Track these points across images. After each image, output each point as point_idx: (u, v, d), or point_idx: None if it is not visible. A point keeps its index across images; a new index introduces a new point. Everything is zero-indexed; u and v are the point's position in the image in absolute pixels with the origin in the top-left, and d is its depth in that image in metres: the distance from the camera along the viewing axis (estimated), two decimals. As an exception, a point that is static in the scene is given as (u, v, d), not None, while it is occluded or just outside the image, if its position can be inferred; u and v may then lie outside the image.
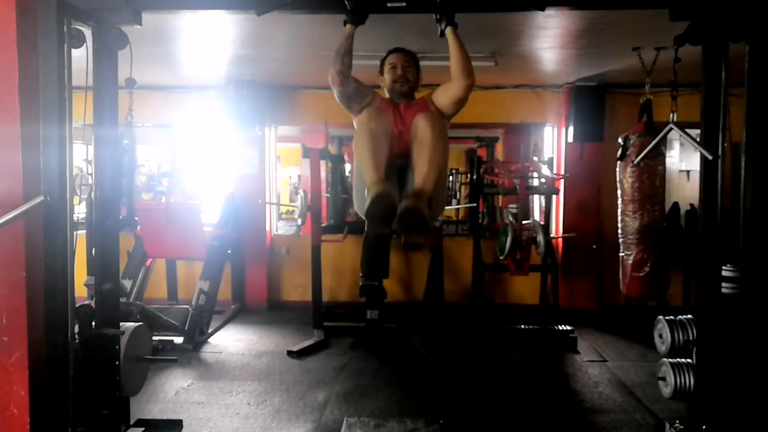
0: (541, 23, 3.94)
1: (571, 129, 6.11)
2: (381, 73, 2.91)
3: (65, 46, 2.44)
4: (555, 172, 6.16)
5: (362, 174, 2.51)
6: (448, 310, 5.73)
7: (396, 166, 2.60)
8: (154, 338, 4.43)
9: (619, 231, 4.22)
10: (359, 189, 2.65)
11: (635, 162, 3.87)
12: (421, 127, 2.48)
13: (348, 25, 2.61)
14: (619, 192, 4.19)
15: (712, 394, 2.68)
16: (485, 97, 6.10)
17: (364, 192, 2.53)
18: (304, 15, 3.45)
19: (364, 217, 2.45)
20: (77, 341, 2.52)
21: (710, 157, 2.60)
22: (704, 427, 2.66)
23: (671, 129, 3.27)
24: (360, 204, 2.64)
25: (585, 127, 6.03)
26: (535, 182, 5.58)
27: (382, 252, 5.13)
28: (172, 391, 4.09)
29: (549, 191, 5.58)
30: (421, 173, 2.45)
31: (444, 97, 2.75)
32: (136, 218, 4.85)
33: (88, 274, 4.59)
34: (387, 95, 2.90)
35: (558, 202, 6.35)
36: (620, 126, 5.46)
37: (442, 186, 2.69)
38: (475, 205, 5.95)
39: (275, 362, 4.76)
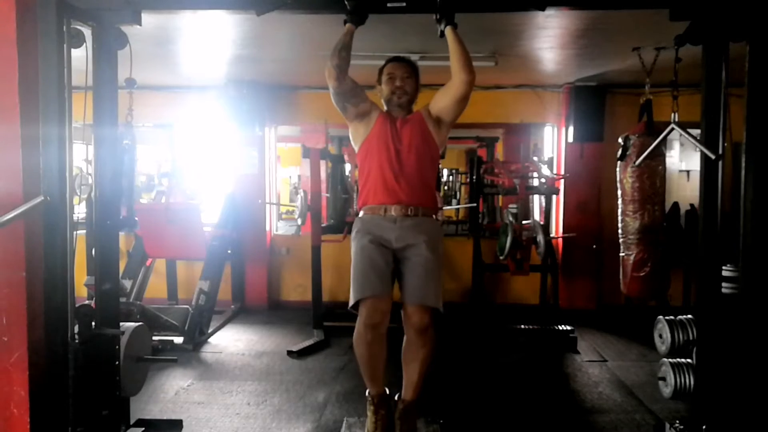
0: (541, 23, 3.93)
1: (571, 129, 6.11)
2: (379, 82, 2.88)
3: (65, 46, 2.44)
4: (555, 172, 6.16)
5: (361, 371, 2.86)
6: (448, 310, 5.70)
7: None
8: (154, 338, 4.42)
9: (620, 231, 4.22)
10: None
11: (636, 163, 3.87)
12: (412, 331, 2.83)
13: (348, 25, 2.61)
14: (619, 192, 4.19)
15: (712, 394, 2.68)
16: (485, 97, 6.10)
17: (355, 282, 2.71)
18: (304, 15, 3.45)
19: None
20: (77, 341, 2.51)
21: (713, 157, 2.60)
22: (704, 427, 2.66)
23: (673, 129, 3.27)
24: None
25: (585, 127, 6.03)
26: (535, 182, 5.58)
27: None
28: (172, 391, 4.09)
29: (549, 191, 5.58)
30: (411, 383, 2.87)
31: (444, 98, 2.73)
32: (136, 218, 4.85)
33: (88, 274, 4.59)
34: (384, 105, 2.88)
35: (558, 202, 6.35)
36: (620, 126, 5.46)
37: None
38: (475, 205, 5.95)
39: (275, 362, 4.76)
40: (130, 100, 3.59)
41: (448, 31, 2.58)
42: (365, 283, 2.62)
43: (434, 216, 2.87)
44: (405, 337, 2.77)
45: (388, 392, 2.91)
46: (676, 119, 3.19)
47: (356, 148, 2.88)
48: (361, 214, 2.84)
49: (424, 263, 2.67)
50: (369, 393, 2.81)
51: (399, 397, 2.90)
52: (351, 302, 2.66)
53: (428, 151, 2.81)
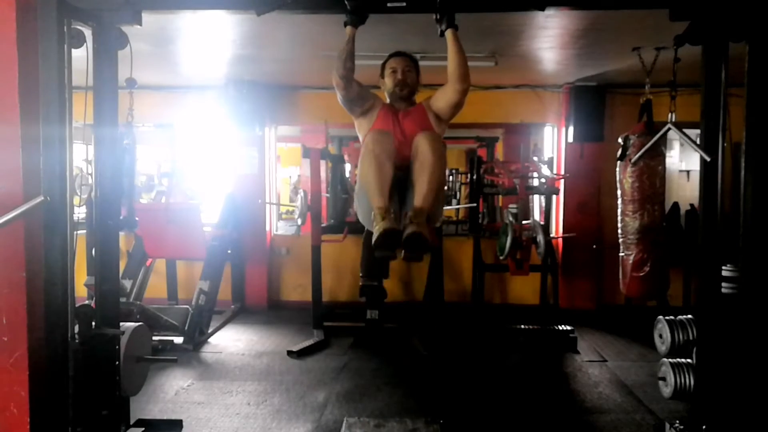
0: (541, 23, 3.94)
1: (571, 129, 6.12)
2: (382, 76, 2.94)
3: (65, 46, 2.44)
4: (555, 172, 6.16)
5: (367, 196, 2.62)
6: (448, 310, 5.72)
7: (396, 178, 2.65)
8: (154, 338, 4.43)
9: (619, 231, 4.22)
10: (362, 201, 2.72)
11: (633, 160, 3.87)
12: (422, 149, 2.58)
13: (348, 28, 2.61)
14: (619, 192, 4.20)
15: (712, 394, 2.67)
16: (485, 97, 6.10)
17: (366, 204, 2.64)
18: (304, 15, 3.45)
19: (366, 226, 2.66)
20: (77, 341, 2.51)
21: (708, 159, 2.60)
22: (704, 427, 2.65)
23: (669, 129, 3.27)
24: (363, 216, 2.75)
25: (585, 127, 6.03)
26: (535, 182, 5.58)
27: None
28: (172, 391, 4.09)
29: (549, 191, 5.58)
30: (421, 193, 2.58)
31: (441, 101, 2.79)
32: (137, 218, 4.85)
33: (88, 274, 4.59)
34: (387, 98, 2.93)
35: (558, 202, 6.35)
36: (620, 126, 5.46)
37: (441, 198, 2.79)
38: (475, 205, 5.95)
39: (275, 362, 4.76)
40: (131, 100, 3.60)
41: (448, 33, 2.58)
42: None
43: None
44: (415, 161, 2.63)
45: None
46: (674, 119, 3.19)
47: (361, 141, 2.92)
48: None
49: None
50: (375, 206, 2.59)
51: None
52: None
53: None
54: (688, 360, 2.95)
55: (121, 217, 4.43)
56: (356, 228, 5.65)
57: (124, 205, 4.50)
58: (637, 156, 3.79)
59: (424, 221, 2.53)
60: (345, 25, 2.62)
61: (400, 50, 2.99)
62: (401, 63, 2.89)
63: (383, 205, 2.55)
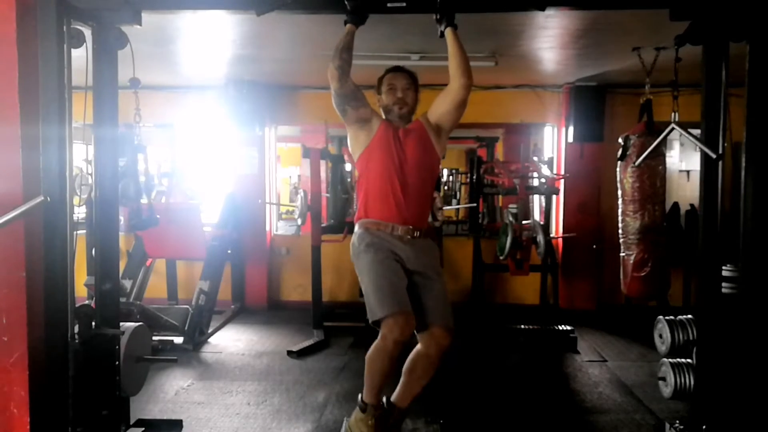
0: (541, 23, 3.94)
1: (571, 129, 6.11)
2: (378, 92, 2.89)
3: (65, 46, 2.44)
4: (555, 172, 6.16)
5: (365, 376, 2.80)
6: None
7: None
8: (154, 338, 4.41)
9: (620, 231, 4.22)
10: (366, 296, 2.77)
11: (636, 163, 3.87)
12: (435, 347, 2.77)
13: (349, 26, 2.61)
14: (619, 192, 4.20)
15: (712, 394, 2.68)
16: (485, 97, 6.10)
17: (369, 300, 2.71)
18: (304, 15, 3.45)
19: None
20: (77, 341, 2.51)
21: (714, 156, 2.59)
22: (704, 427, 2.66)
23: (673, 129, 3.27)
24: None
25: (585, 127, 6.03)
26: (535, 182, 5.58)
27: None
28: (172, 391, 4.09)
29: (549, 191, 5.58)
30: (410, 392, 2.84)
31: (443, 104, 2.74)
32: (158, 216, 4.79)
33: (88, 274, 4.59)
34: (383, 113, 2.87)
35: (558, 202, 6.35)
36: (620, 126, 5.46)
37: None
38: (475, 205, 5.96)
39: (275, 362, 4.76)
40: (136, 100, 3.59)
41: (448, 32, 2.58)
42: (396, 297, 2.61)
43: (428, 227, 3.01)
44: (421, 351, 2.80)
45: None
46: (677, 119, 3.19)
47: (355, 156, 2.84)
48: (363, 226, 2.79)
49: (441, 291, 2.79)
50: (367, 401, 2.77)
51: (389, 402, 2.85)
52: (376, 316, 2.62)
53: (430, 163, 2.83)
54: (688, 360, 2.95)
55: (144, 216, 4.43)
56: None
57: (144, 203, 4.48)
58: (641, 159, 3.78)
59: (402, 422, 2.86)
60: (345, 24, 2.62)
61: (399, 65, 2.94)
62: (401, 80, 2.83)
63: (374, 404, 2.76)
